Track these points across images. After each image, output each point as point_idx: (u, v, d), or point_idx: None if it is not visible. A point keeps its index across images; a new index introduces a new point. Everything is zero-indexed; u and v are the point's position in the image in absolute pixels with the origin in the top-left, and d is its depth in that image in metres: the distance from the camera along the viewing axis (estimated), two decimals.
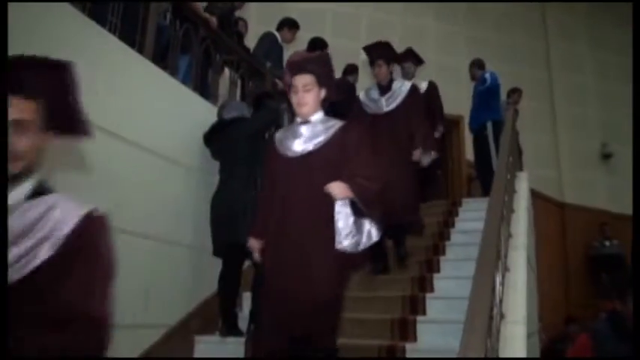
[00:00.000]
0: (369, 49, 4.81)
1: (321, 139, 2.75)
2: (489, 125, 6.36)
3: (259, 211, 3.00)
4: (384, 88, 4.71)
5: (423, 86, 5.73)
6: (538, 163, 8.89)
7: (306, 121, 2.80)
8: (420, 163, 4.50)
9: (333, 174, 2.62)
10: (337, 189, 2.57)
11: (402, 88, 4.71)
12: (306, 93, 2.75)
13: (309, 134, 2.77)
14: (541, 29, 10.33)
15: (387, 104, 4.66)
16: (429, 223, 5.43)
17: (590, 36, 10.35)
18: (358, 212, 2.64)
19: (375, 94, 4.74)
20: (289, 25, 6.24)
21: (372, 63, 4.80)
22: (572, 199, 9.49)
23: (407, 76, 5.87)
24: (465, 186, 8.70)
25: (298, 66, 2.79)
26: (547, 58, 10.20)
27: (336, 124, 2.80)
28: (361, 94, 4.87)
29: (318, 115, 2.82)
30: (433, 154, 4.58)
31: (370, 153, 2.79)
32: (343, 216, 2.62)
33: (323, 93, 2.81)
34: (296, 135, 2.81)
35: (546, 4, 10.38)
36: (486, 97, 6.45)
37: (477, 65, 6.79)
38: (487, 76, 6.51)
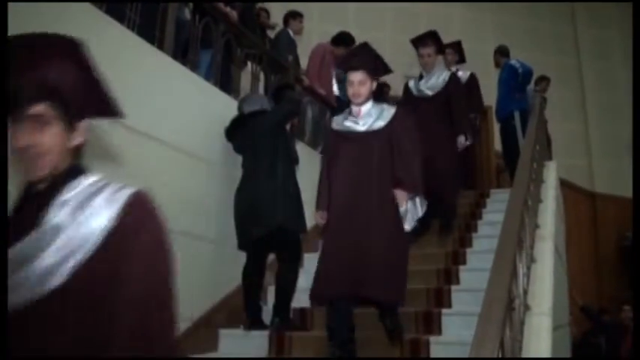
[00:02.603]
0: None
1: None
2: (517, 115, 6.25)
3: None
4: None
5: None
6: (568, 153, 8.72)
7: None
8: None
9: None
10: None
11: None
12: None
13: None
14: (569, 15, 10.11)
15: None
16: (456, 215, 5.37)
17: (620, 21, 10.08)
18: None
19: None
20: (294, 16, 6.25)
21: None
22: (603, 189, 9.28)
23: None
24: (493, 177, 8.56)
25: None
26: (576, 44, 10.00)
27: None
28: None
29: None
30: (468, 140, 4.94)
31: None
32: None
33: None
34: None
35: None
36: (516, 83, 6.30)
37: (501, 52, 6.68)
38: (515, 63, 6.38)
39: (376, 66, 3.38)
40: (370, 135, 3.29)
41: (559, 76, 8.90)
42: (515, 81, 6.28)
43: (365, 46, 3.43)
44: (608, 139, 9.54)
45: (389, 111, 3.34)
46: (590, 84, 9.84)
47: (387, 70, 3.50)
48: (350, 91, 3.33)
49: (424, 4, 9.44)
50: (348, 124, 3.39)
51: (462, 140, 4.85)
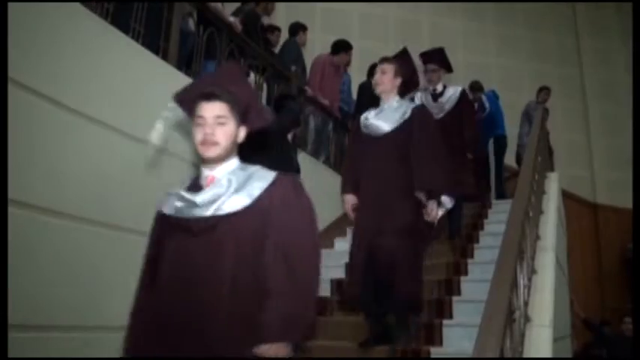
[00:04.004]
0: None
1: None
2: (490, 142, 6.76)
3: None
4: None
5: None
6: (570, 163, 8.75)
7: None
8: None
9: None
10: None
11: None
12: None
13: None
14: (571, 25, 10.16)
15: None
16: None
17: (621, 31, 10.11)
18: None
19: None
20: (303, 28, 6.32)
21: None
22: (605, 200, 9.28)
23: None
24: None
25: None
26: (578, 54, 10.03)
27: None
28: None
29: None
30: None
31: None
32: None
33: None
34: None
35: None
36: (490, 118, 6.76)
37: (476, 88, 6.99)
38: (485, 100, 6.81)
39: (247, 105, 1.93)
40: (219, 224, 1.79)
41: (561, 86, 8.94)
42: (490, 120, 6.75)
43: (232, 68, 2.12)
44: (610, 149, 9.55)
45: (261, 180, 1.87)
46: (593, 94, 9.86)
47: (262, 117, 2.03)
48: (198, 136, 1.84)
49: (427, 16, 9.49)
50: (179, 204, 1.88)
51: (432, 208, 3.26)
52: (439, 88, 4.86)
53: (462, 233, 5.04)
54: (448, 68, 4.95)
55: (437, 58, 4.88)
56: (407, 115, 3.36)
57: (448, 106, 4.77)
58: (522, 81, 9.08)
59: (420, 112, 3.45)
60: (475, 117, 5.25)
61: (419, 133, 3.29)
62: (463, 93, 4.85)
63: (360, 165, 3.47)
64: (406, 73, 3.54)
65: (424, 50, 4.94)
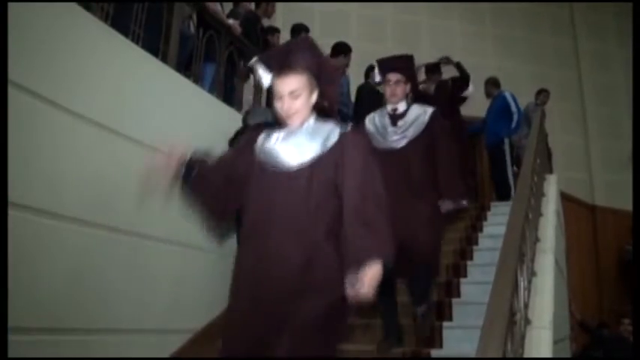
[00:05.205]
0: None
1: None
2: (507, 141, 6.53)
3: None
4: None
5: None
6: (568, 166, 8.76)
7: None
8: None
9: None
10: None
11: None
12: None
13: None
14: (569, 28, 10.18)
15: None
16: (457, 228, 5.38)
17: (620, 33, 10.13)
18: None
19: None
20: (306, 30, 6.32)
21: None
22: (603, 202, 9.29)
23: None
24: (494, 190, 8.56)
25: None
26: (576, 57, 10.05)
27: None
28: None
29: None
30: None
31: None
32: None
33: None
34: None
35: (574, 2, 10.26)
36: (509, 120, 6.60)
37: (493, 83, 6.91)
38: (509, 98, 6.62)
39: None
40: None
41: (559, 88, 8.95)
42: (508, 118, 6.53)
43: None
44: (608, 151, 9.57)
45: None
46: (590, 96, 9.88)
47: None
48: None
49: (425, 18, 9.50)
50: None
51: (366, 277, 1.82)
52: (400, 107, 3.51)
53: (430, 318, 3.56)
54: (414, 82, 3.75)
55: (403, 66, 3.61)
56: (331, 142, 2.13)
57: (412, 133, 3.43)
58: (520, 83, 9.06)
59: (353, 137, 2.19)
60: (463, 142, 4.80)
61: (354, 169, 2.07)
62: (435, 115, 3.49)
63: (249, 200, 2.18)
64: (324, 74, 2.28)
65: (392, 55, 3.77)
